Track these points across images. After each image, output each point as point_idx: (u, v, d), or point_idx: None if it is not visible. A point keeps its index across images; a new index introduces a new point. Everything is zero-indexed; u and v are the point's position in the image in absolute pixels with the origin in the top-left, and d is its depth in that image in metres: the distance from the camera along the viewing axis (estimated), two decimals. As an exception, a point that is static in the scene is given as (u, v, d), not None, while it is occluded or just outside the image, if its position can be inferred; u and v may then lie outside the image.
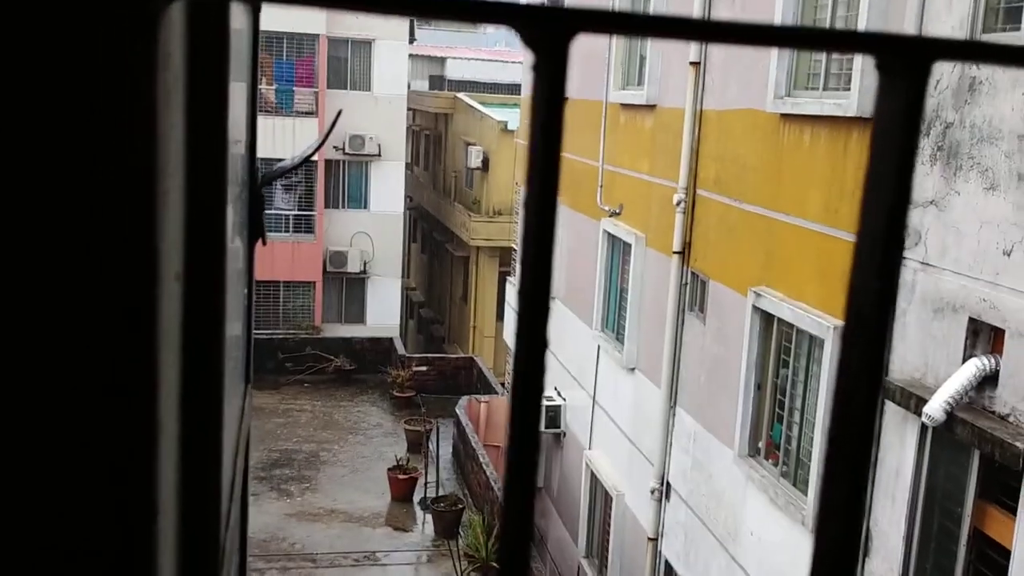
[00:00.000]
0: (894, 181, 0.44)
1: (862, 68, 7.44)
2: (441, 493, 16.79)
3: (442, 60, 37.48)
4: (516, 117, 24.73)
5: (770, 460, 8.99)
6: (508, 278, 18.06)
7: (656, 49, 11.51)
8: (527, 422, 0.44)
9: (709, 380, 10.06)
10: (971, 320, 6.28)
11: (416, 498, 17.24)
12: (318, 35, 25.58)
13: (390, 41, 26.53)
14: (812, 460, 8.15)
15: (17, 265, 0.47)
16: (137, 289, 0.47)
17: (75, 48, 0.44)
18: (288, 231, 26.06)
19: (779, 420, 8.87)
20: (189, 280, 0.64)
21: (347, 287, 27.31)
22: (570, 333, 14.43)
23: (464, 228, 26.59)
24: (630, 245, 12.11)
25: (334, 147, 26.10)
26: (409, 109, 29.45)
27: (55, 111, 0.45)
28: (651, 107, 11.61)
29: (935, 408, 6.15)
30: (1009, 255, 5.96)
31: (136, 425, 0.49)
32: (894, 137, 0.45)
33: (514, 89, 32.71)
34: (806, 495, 8.17)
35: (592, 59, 13.54)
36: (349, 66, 26.56)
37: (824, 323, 7.78)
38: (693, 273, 10.49)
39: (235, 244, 1.27)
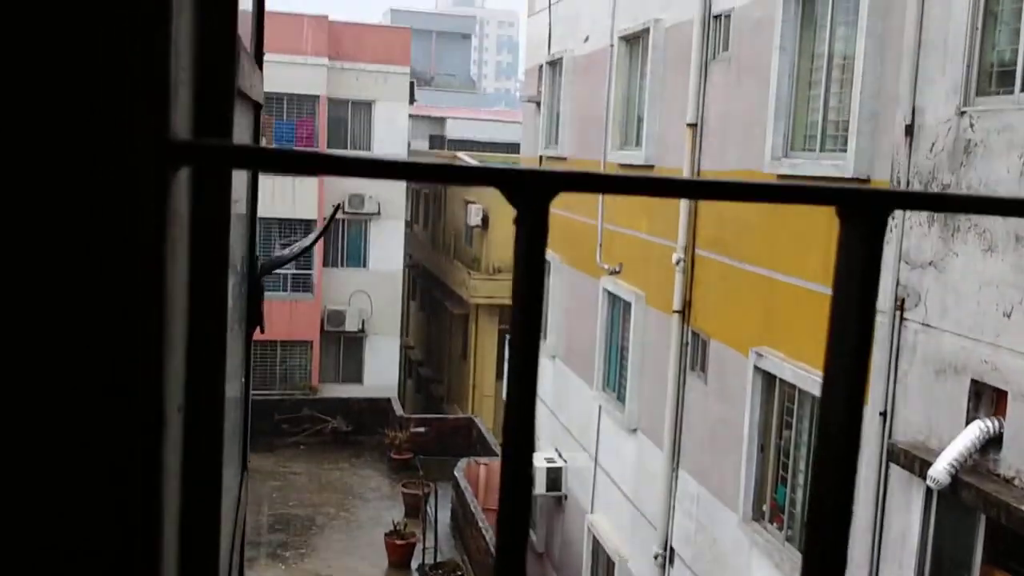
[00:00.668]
0: (856, 325, 0.48)
1: (858, 130, 7.52)
2: (440, 559, 16.54)
3: (442, 120, 37.93)
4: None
5: (775, 524, 8.87)
6: (507, 336, 18.00)
7: (654, 110, 11.64)
8: (518, 482, 0.45)
9: (712, 441, 9.98)
10: (973, 382, 6.25)
11: (414, 564, 16.97)
12: (318, 96, 25.90)
13: (390, 102, 26.86)
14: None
15: (31, 416, 0.48)
16: (143, 424, 0.48)
17: (92, 215, 0.46)
18: (286, 290, 26.08)
19: (783, 482, 8.78)
20: (188, 411, 0.65)
21: (345, 346, 27.24)
22: (571, 393, 14.36)
23: (464, 286, 26.64)
24: (630, 304, 12.11)
25: (334, 206, 26.22)
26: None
27: (68, 269, 0.48)
28: (649, 167, 11.71)
29: (940, 471, 6.09)
30: (1009, 316, 5.95)
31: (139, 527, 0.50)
32: (855, 279, 0.49)
33: (512, 148, 33.06)
34: (812, 560, 8.04)
35: (590, 119, 13.70)
36: (349, 126, 26.86)
37: (826, 384, 7.73)
38: (694, 332, 10.47)
39: (234, 335, 1.26)
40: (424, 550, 16.81)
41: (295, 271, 26.19)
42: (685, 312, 10.59)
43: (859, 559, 7.19)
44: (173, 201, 0.49)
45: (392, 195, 27.14)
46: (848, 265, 0.50)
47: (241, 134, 1.22)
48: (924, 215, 6.82)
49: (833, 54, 8.21)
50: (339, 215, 26.47)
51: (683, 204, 10.52)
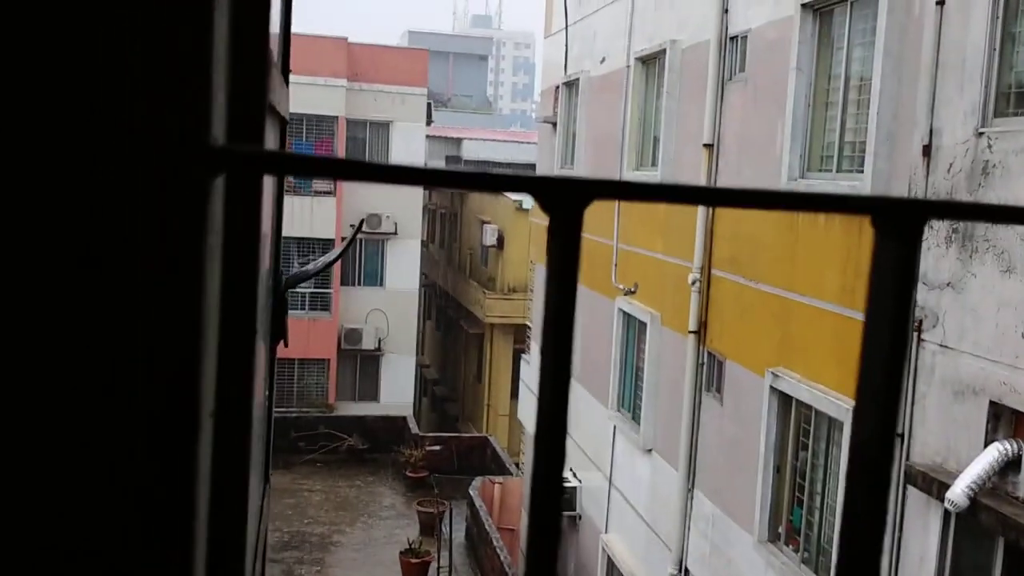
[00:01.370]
0: (889, 337, 0.46)
1: (875, 151, 7.52)
2: (454, 577, 16.48)
3: (458, 141, 38.09)
4: (530, 197, 24.97)
5: (790, 546, 8.80)
6: (523, 355, 18.02)
7: (670, 131, 11.67)
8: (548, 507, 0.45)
9: (727, 462, 9.93)
10: (992, 403, 6.21)
11: (429, 582, 16.92)
12: (337, 116, 26.09)
13: (408, 123, 27.03)
14: (833, 546, 7.98)
15: (70, 417, 0.49)
16: (179, 430, 0.49)
17: (135, 222, 0.47)
18: (304, 308, 26.18)
19: (799, 504, 8.72)
20: (218, 418, 0.66)
21: (361, 364, 27.29)
22: (585, 413, 14.33)
23: (479, 305, 26.67)
24: (645, 324, 12.09)
25: (351, 225, 26.37)
26: (425, 188, 29.76)
27: (116, 285, 0.48)
28: (665, 188, 11.70)
29: (958, 494, 6.04)
30: (1029, 338, 5.91)
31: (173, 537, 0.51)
32: (889, 291, 0.48)
33: (528, 168, 33.15)
34: (828, 582, 7.99)
35: (606, 140, 13.74)
36: (367, 147, 27.02)
37: (843, 405, 7.70)
38: (709, 353, 10.44)
39: (260, 349, 1.28)
40: (439, 569, 16.75)
41: (313, 289, 26.30)
42: (701, 332, 10.57)
43: (876, 582, 7.12)
44: (213, 208, 0.51)
45: (408, 215, 27.26)
46: (882, 274, 0.49)
47: (269, 148, 1.24)
48: (942, 236, 6.80)
49: (850, 75, 8.22)
50: (359, 234, 26.59)
51: (699, 224, 10.52)
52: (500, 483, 19.28)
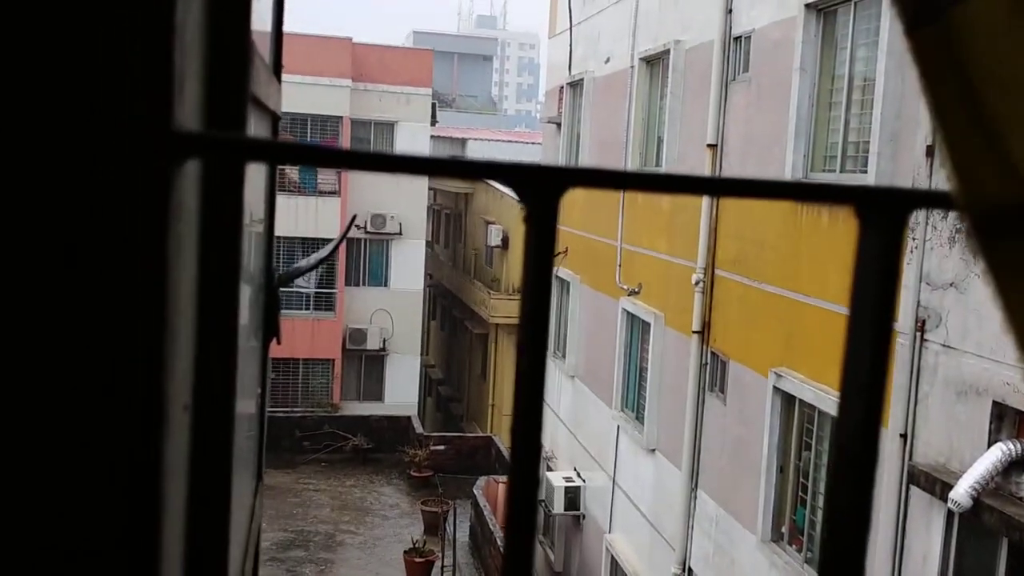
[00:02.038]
0: (871, 330, 0.45)
1: (879, 150, 7.51)
2: (458, 576, 16.49)
3: (463, 141, 38.11)
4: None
5: (794, 546, 8.79)
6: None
7: (674, 131, 11.66)
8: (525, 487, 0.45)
9: (730, 462, 9.92)
10: (995, 404, 6.19)
11: (433, 581, 16.94)
12: (341, 117, 26.11)
13: (412, 123, 27.04)
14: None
15: (29, 415, 0.48)
16: (143, 423, 0.48)
17: (93, 210, 0.46)
18: (308, 308, 26.20)
19: (802, 504, 8.71)
20: (198, 411, 0.66)
21: (366, 364, 27.31)
22: (589, 412, 14.33)
23: (484, 306, 26.67)
24: (649, 324, 12.09)
25: (356, 226, 26.40)
26: (430, 188, 29.84)
27: (70, 268, 0.47)
28: (669, 188, 11.70)
29: (961, 494, 6.03)
30: (1032, 338, 5.90)
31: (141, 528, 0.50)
32: (873, 284, 0.47)
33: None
34: (831, 582, 7.97)
35: (611, 140, 13.74)
36: (372, 147, 26.83)
37: (846, 405, 7.68)
38: (713, 353, 10.43)
39: (251, 345, 1.29)
40: (443, 568, 16.76)
41: (317, 289, 26.34)
42: (704, 333, 10.56)
43: (879, 582, 7.12)
44: (180, 196, 0.51)
45: (413, 215, 27.28)
46: (866, 267, 0.48)
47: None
48: (945, 236, 6.79)
49: (854, 75, 8.21)
50: (362, 234, 26.63)
51: (703, 224, 10.52)
52: (504, 482, 19.29)
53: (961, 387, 6.50)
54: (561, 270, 15.68)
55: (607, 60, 14.18)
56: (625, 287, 12.72)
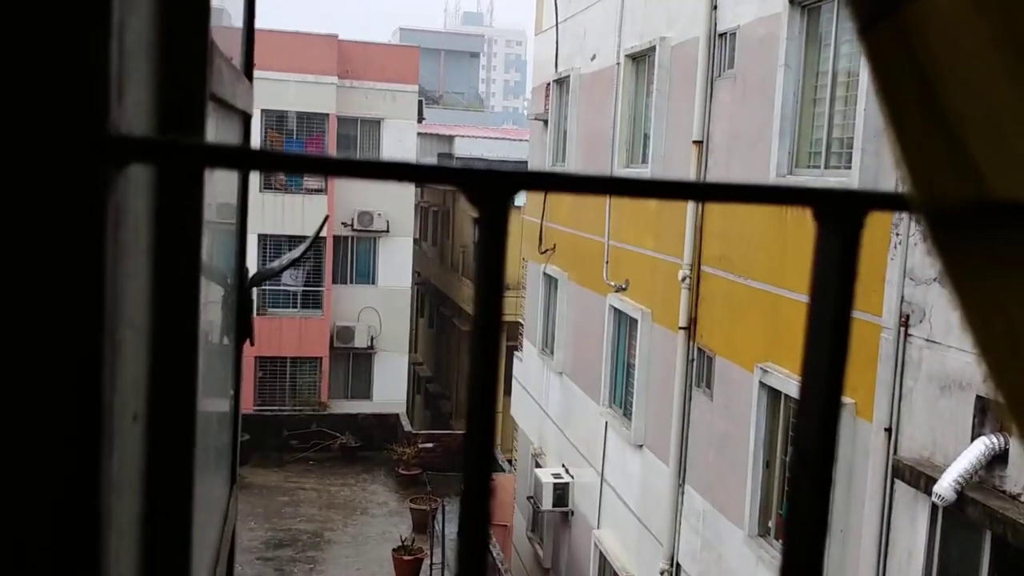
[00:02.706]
0: (830, 331, 0.45)
1: (863, 147, 7.53)
2: (447, 575, 16.49)
3: (450, 138, 38.04)
4: (523, 194, 24.99)
5: (780, 540, 8.82)
6: (515, 353, 18.03)
7: (660, 128, 11.68)
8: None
9: (717, 457, 9.95)
10: (979, 398, 6.23)
11: (422, 579, 16.94)
12: (328, 114, 26.04)
13: (399, 120, 26.99)
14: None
15: None
16: (79, 435, 0.47)
17: (22, 215, 0.45)
18: (296, 307, 26.14)
19: (789, 498, 8.74)
20: (154, 421, 0.65)
21: (354, 362, 27.27)
22: (577, 409, 14.34)
23: (471, 303, 26.66)
24: (636, 320, 12.11)
25: (343, 223, 26.35)
26: (417, 186, 29.79)
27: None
28: (655, 184, 11.72)
29: (945, 488, 6.06)
30: (1014, 332, 5.93)
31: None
32: (832, 284, 0.47)
33: (520, 166, 33.09)
34: (818, 577, 8.01)
35: (598, 137, 13.75)
36: (358, 144, 26.97)
37: (831, 400, 7.71)
38: (699, 349, 10.46)
39: (222, 346, 1.28)
40: (431, 566, 16.76)
41: (304, 288, 26.27)
42: (691, 329, 10.58)
43: (865, 576, 7.15)
44: (124, 201, 0.50)
45: (401, 213, 27.24)
46: (825, 268, 0.47)
47: (226, 142, 1.23)
48: (922, 236, 6.81)
49: (838, 71, 8.24)
50: (349, 232, 26.56)
51: (689, 221, 10.54)
52: (492, 480, 19.27)
53: (945, 382, 6.54)
54: (549, 267, 15.69)
55: (593, 57, 14.19)
56: (612, 284, 12.73)
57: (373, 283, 27.34)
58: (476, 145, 37.59)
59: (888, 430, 7.02)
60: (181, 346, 0.73)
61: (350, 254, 27.20)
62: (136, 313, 0.58)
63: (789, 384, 8.47)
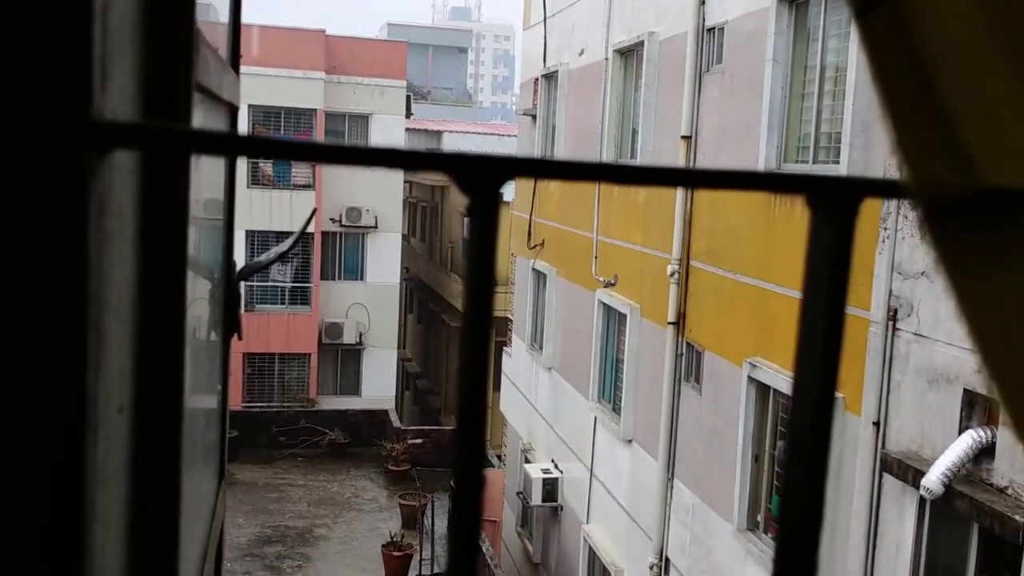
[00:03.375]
0: (824, 320, 0.45)
1: (851, 141, 7.55)
2: (437, 570, 16.49)
3: (438, 134, 38.00)
4: (511, 189, 24.99)
5: (769, 534, 8.86)
6: (504, 348, 18.02)
7: (648, 123, 11.68)
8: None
9: (706, 452, 9.98)
10: (966, 391, 6.26)
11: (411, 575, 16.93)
12: (315, 109, 25.96)
13: (387, 116, 26.93)
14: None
15: None
16: (62, 426, 0.46)
17: (1, 202, 0.43)
18: (284, 303, 26.08)
19: (778, 492, 8.77)
20: (140, 413, 0.64)
21: (343, 358, 27.22)
22: (566, 404, 14.35)
23: (460, 298, 26.53)
24: (625, 316, 12.12)
25: (331, 219, 26.28)
26: (406, 181, 29.74)
27: None
28: (644, 179, 11.72)
29: (933, 481, 6.09)
30: (1001, 326, 5.96)
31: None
32: (825, 273, 0.46)
33: (509, 161, 33.01)
34: (806, 570, 8.04)
35: (586, 132, 13.75)
36: (346, 139, 26.90)
37: (820, 394, 7.74)
38: (688, 344, 10.48)
39: (209, 340, 1.27)
40: (421, 562, 16.76)
41: (293, 284, 26.20)
42: (679, 324, 10.60)
43: (853, 569, 7.18)
44: (108, 188, 0.48)
45: (389, 208, 27.18)
46: (818, 256, 0.47)
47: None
48: (917, 225, 6.84)
49: (826, 66, 8.25)
50: (337, 228, 26.49)
51: (677, 216, 10.55)
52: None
53: (932, 375, 6.56)
54: (538, 262, 15.68)
55: (581, 52, 14.18)
56: (601, 279, 12.74)
57: (362, 279, 27.30)
58: (464, 140, 37.55)
59: (876, 424, 7.05)
60: (167, 337, 0.72)
61: (338, 250, 27.14)
62: (121, 303, 0.57)
63: (778, 378, 8.49)
